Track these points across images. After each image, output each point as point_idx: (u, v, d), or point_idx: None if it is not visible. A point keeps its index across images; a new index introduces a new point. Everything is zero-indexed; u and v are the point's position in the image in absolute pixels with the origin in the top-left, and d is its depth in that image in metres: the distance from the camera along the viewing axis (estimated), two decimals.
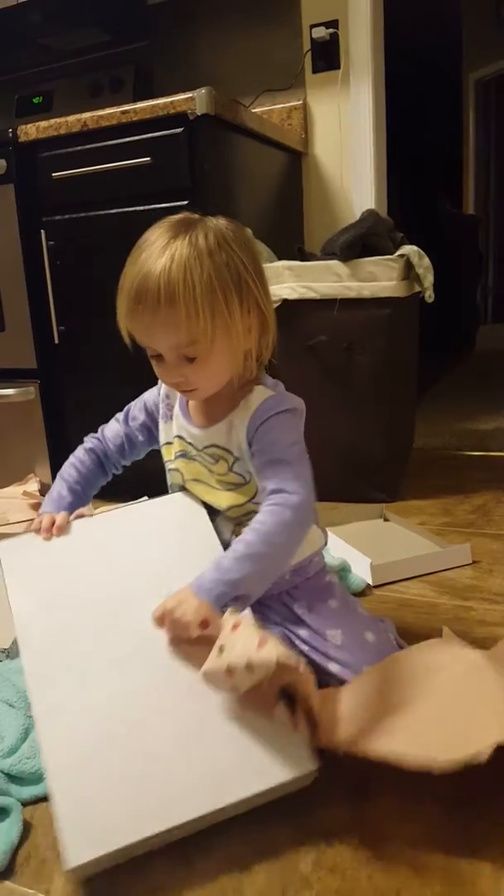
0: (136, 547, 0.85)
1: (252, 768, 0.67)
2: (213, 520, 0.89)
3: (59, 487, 0.93)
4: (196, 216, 0.82)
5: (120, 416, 0.99)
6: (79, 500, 0.93)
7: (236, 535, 0.84)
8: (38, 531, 0.87)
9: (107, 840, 0.62)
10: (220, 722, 0.70)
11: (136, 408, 0.98)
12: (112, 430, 0.98)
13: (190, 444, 0.90)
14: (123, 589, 0.81)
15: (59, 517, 0.87)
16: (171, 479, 0.95)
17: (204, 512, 0.87)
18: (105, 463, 0.97)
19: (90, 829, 0.63)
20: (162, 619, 0.75)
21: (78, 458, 0.96)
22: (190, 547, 0.84)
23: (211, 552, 0.82)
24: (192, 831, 0.65)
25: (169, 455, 0.93)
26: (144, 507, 0.91)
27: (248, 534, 0.77)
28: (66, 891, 0.63)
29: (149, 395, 0.97)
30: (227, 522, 0.89)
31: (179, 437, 0.91)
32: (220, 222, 0.81)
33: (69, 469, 0.95)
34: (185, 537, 0.85)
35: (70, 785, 0.66)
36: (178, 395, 0.93)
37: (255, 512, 0.82)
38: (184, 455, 0.91)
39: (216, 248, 0.77)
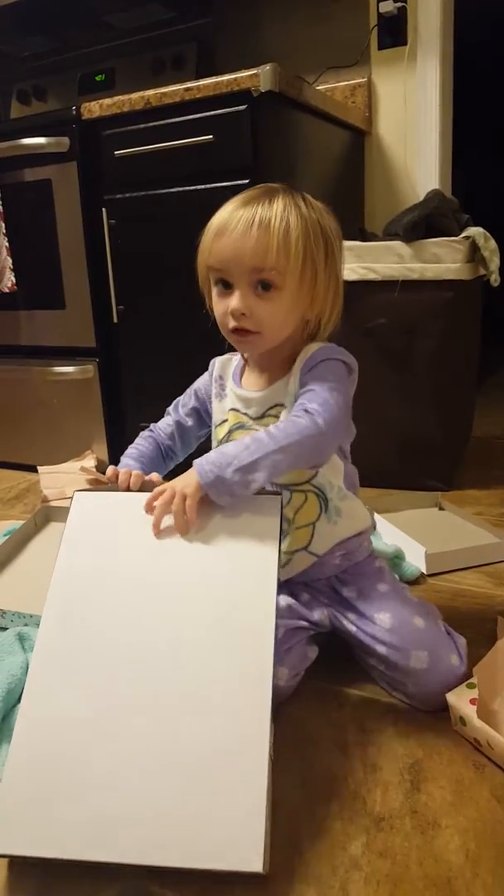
0: (197, 546, 0.76)
1: (196, 841, 0.60)
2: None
3: (124, 462, 0.93)
4: (291, 187, 0.84)
5: (170, 408, 1.01)
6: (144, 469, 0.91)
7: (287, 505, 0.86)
8: (111, 479, 0.84)
9: (27, 844, 0.61)
10: (191, 777, 0.62)
11: (185, 395, 1.00)
12: (163, 421, 1.01)
13: (245, 414, 0.90)
14: (159, 585, 0.74)
15: (134, 475, 0.83)
16: None
17: (277, 533, 0.76)
18: (162, 448, 0.98)
19: (18, 825, 0.62)
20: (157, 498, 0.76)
21: (136, 442, 0.98)
22: (247, 566, 0.74)
23: (266, 576, 0.73)
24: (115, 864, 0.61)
25: (222, 433, 0.93)
26: (225, 516, 0.78)
27: (261, 432, 0.77)
28: None
29: (199, 382, 0.99)
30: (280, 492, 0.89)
31: (234, 409, 0.91)
32: (312, 198, 0.84)
33: (130, 449, 0.96)
34: (245, 556, 0.75)
35: (22, 772, 0.64)
36: (231, 370, 0.94)
37: (307, 482, 0.86)
38: (241, 427, 0.91)
39: (311, 209, 0.81)
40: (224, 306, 0.82)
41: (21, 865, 0.64)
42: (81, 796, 0.62)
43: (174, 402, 1.01)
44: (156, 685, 0.67)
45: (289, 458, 0.75)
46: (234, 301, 0.80)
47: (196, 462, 0.76)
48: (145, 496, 0.78)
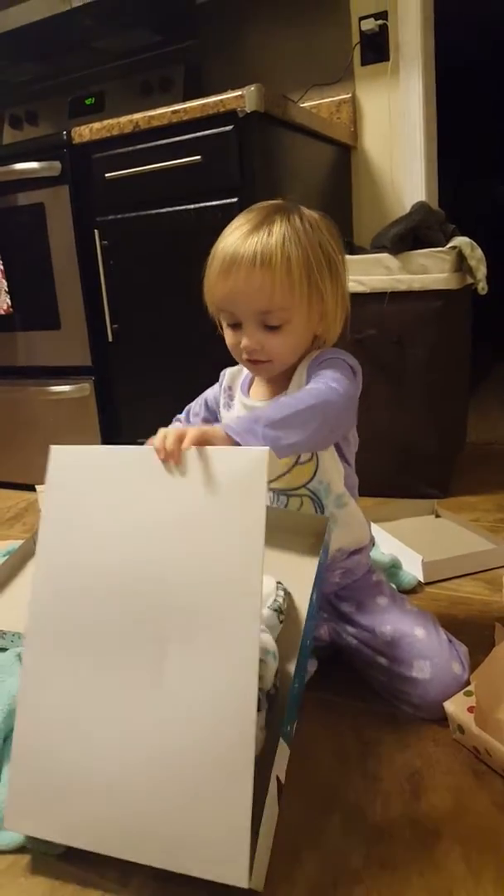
0: (175, 510, 0.67)
1: (189, 845, 0.59)
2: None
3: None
4: (289, 203, 0.85)
5: (181, 416, 1.02)
6: None
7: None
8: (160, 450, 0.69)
9: (39, 828, 0.65)
10: (178, 776, 0.60)
11: (196, 405, 1.01)
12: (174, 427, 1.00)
13: None
14: (146, 547, 0.67)
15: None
16: None
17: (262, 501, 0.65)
18: None
19: (32, 807, 0.65)
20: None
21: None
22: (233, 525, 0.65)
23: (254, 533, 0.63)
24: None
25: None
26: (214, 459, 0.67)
27: (281, 397, 0.77)
28: None
29: (210, 392, 1.00)
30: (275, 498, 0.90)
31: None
32: (309, 211, 0.85)
33: None
34: (233, 510, 0.65)
35: (33, 758, 0.66)
36: (239, 382, 0.95)
37: (305, 486, 0.86)
38: None
39: (310, 229, 0.82)
40: (235, 340, 0.85)
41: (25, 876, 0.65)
42: (70, 787, 0.64)
43: (185, 408, 1.02)
44: (140, 676, 0.64)
45: (317, 419, 0.73)
46: (245, 340, 0.83)
47: (217, 424, 0.71)
48: (127, 449, 0.71)
